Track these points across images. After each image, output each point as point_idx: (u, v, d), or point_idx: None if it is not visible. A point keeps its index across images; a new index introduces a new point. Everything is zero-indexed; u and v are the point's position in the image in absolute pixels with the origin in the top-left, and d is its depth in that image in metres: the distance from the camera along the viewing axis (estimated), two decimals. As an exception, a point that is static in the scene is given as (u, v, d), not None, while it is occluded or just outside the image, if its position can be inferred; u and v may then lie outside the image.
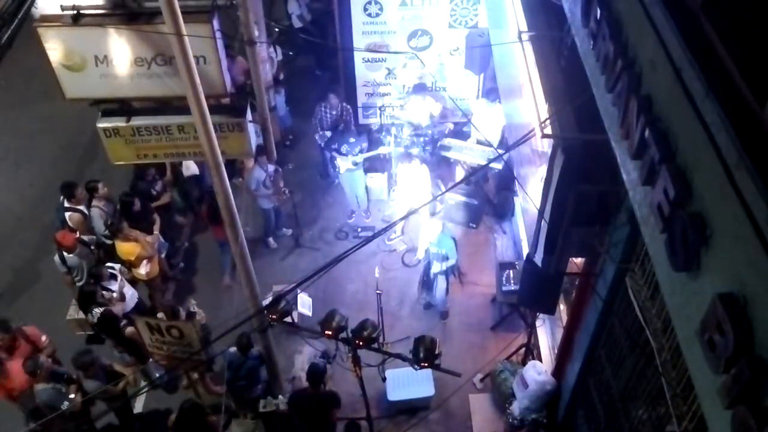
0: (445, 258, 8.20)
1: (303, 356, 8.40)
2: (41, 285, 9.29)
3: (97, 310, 7.56)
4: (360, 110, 10.85)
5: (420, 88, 10.02)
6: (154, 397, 8.01)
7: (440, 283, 8.43)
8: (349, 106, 10.22)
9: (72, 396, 6.84)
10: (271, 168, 9.13)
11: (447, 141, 9.83)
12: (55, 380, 6.84)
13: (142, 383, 7.73)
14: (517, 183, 7.29)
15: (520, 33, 5.98)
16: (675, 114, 2.74)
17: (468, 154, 9.65)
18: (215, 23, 5.80)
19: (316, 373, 6.71)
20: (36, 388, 6.78)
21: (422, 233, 8.51)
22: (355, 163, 9.57)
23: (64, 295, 8.51)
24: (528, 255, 6.02)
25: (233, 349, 7.15)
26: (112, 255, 8.37)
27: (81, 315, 8.08)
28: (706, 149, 2.39)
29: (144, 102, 7.14)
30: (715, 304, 2.28)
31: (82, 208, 8.58)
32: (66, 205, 8.55)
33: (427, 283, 8.58)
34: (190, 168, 9.98)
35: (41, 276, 9.35)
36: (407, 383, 7.71)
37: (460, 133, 10.30)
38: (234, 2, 8.05)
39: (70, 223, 8.42)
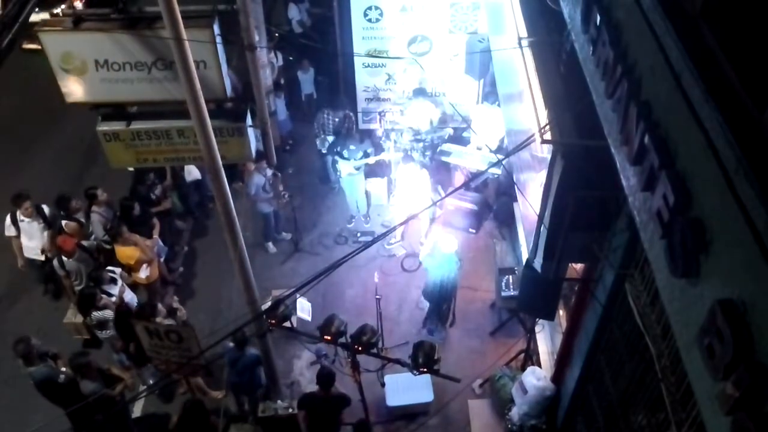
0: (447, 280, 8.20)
1: (302, 361, 8.40)
2: (40, 289, 9.28)
3: (96, 314, 7.56)
4: (360, 115, 10.88)
5: (420, 93, 10.04)
6: (152, 401, 7.99)
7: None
8: (351, 113, 10.24)
9: (64, 369, 6.87)
10: (269, 173, 9.15)
11: (447, 146, 9.84)
12: (43, 360, 6.87)
13: (141, 387, 7.72)
14: (516, 188, 7.30)
15: (519, 39, 5.99)
16: (674, 120, 2.74)
17: (467, 160, 9.66)
18: (216, 28, 5.81)
19: (326, 376, 6.69)
20: (29, 371, 6.83)
21: (435, 239, 8.44)
22: (357, 168, 9.59)
23: (63, 299, 8.50)
24: (527, 260, 6.02)
25: (230, 344, 7.15)
26: (112, 259, 8.38)
27: (79, 319, 8.08)
28: (706, 155, 2.39)
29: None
30: (715, 310, 2.28)
31: (78, 217, 8.59)
32: (62, 213, 8.56)
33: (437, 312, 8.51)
34: (192, 173, 10.01)
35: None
36: (406, 388, 7.69)
37: (459, 138, 10.31)
38: (235, 7, 8.07)
39: (67, 231, 8.43)
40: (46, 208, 8.54)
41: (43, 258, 8.57)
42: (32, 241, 8.46)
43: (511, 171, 7.38)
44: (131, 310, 7.76)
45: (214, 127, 5.61)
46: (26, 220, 8.33)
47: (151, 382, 7.43)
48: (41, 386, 6.83)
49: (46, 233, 8.43)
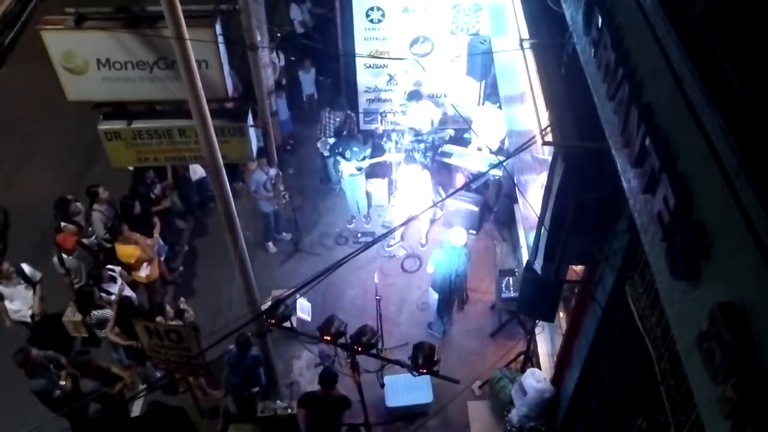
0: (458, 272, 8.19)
1: (301, 361, 8.39)
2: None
3: (96, 313, 7.57)
4: (361, 116, 10.88)
5: (415, 95, 10.02)
6: (151, 400, 7.97)
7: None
8: (353, 114, 10.25)
9: (63, 383, 6.88)
10: (272, 171, 9.15)
11: (447, 147, 9.84)
12: (46, 368, 6.88)
13: (140, 386, 7.72)
14: (517, 190, 7.29)
15: (521, 41, 5.99)
16: (676, 123, 2.75)
17: (468, 161, 9.66)
18: (217, 28, 5.82)
19: (329, 377, 6.71)
20: (28, 380, 6.86)
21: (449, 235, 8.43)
22: (359, 169, 9.59)
23: (63, 297, 8.49)
24: (528, 262, 6.02)
25: (233, 347, 7.16)
26: (113, 258, 8.38)
27: (78, 317, 8.08)
28: (707, 158, 2.39)
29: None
30: (715, 313, 2.28)
31: (77, 219, 8.58)
32: (61, 215, 8.55)
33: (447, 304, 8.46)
34: (197, 171, 10.01)
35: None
36: (406, 389, 7.69)
37: (460, 139, 10.31)
38: (237, 7, 8.08)
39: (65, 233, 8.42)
40: (26, 267, 8.07)
41: (30, 320, 8.09)
42: (15, 303, 7.98)
43: (512, 172, 7.38)
44: (134, 305, 7.76)
45: (215, 126, 5.62)
46: (4, 282, 7.85)
47: (158, 375, 7.42)
48: (38, 396, 6.86)
49: (30, 293, 8.02)
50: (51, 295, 8.72)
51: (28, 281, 8.05)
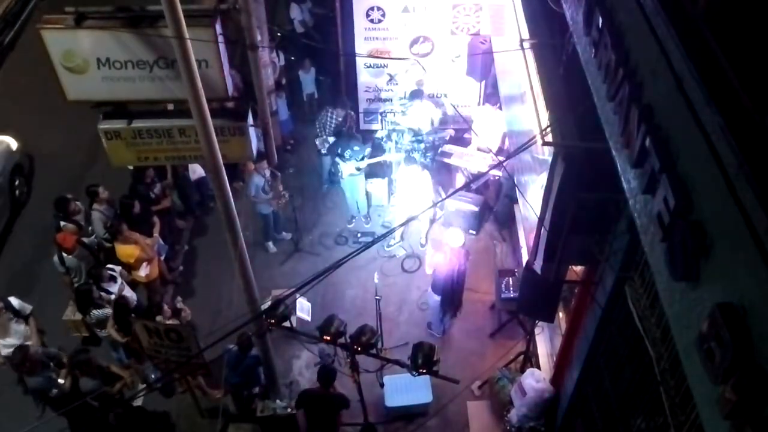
0: None
1: (301, 361, 8.39)
2: (40, 286, 9.26)
3: (96, 312, 7.56)
4: (361, 116, 10.88)
5: (418, 94, 10.03)
6: (151, 399, 7.98)
7: None
8: (353, 113, 10.24)
9: (62, 381, 6.87)
10: (268, 173, 9.14)
11: (448, 147, 9.83)
12: (45, 365, 6.85)
13: (140, 386, 7.72)
14: (517, 190, 7.30)
15: (521, 41, 5.99)
16: (676, 123, 2.74)
17: (468, 161, 9.66)
18: (218, 27, 5.81)
19: (328, 374, 6.71)
20: (26, 378, 6.84)
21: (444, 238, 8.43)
22: (358, 169, 9.59)
23: (63, 296, 8.50)
24: (527, 262, 6.02)
25: (234, 347, 7.16)
26: (113, 257, 8.38)
27: (78, 316, 8.08)
28: (707, 158, 2.39)
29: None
30: (714, 314, 2.28)
31: (77, 218, 8.57)
32: (61, 215, 8.55)
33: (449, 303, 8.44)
34: (196, 171, 10.01)
35: (39, 277, 9.34)
36: (405, 389, 7.69)
37: (460, 139, 10.31)
38: (237, 7, 8.08)
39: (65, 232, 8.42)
40: (14, 301, 7.69)
41: None
42: (7, 338, 7.49)
43: (512, 173, 7.38)
44: (128, 304, 7.75)
45: (215, 126, 5.61)
46: None
47: (153, 377, 7.43)
48: (34, 394, 6.85)
49: (22, 327, 7.60)
50: (51, 295, 8.75)
51: (18, 315, 7.65)
